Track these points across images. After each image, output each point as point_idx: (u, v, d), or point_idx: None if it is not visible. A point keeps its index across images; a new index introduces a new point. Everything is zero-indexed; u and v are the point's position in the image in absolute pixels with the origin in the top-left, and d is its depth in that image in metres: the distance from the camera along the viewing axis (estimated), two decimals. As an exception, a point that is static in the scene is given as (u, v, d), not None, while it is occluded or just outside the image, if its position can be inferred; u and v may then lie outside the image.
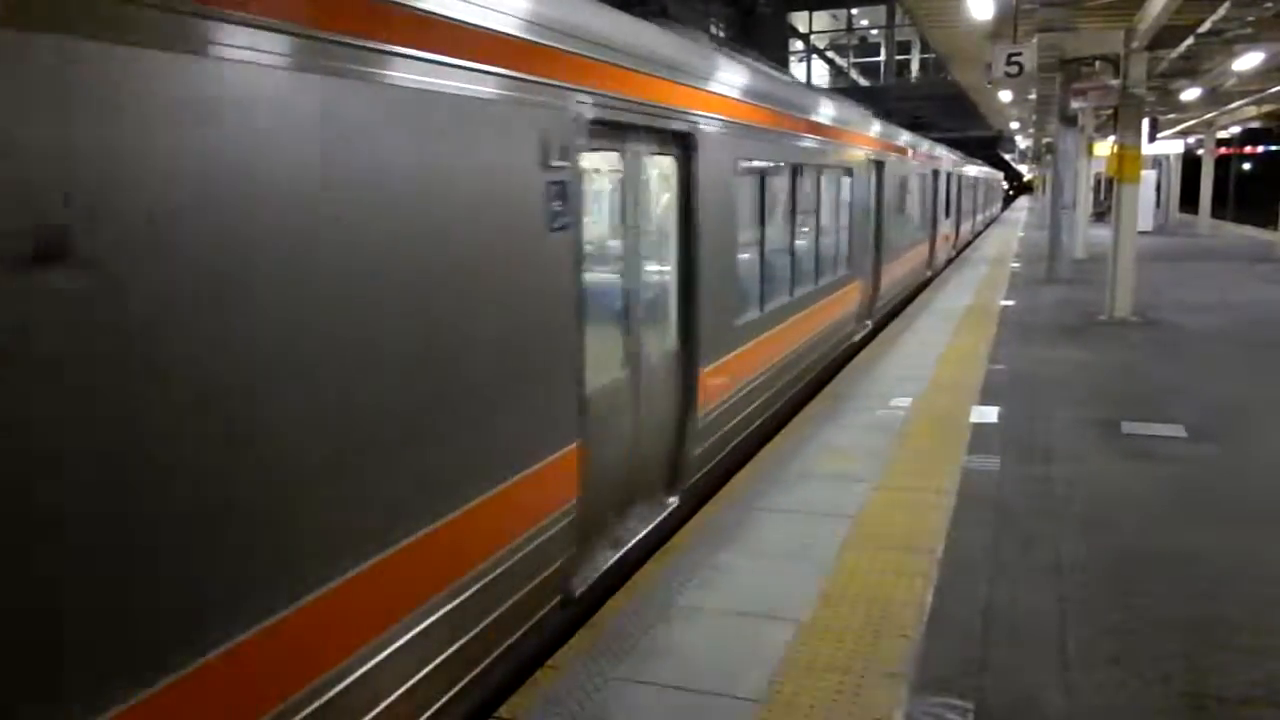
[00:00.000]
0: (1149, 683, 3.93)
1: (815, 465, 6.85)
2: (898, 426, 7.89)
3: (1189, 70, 18.92)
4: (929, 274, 19.72)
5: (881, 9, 39.44)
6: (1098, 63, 15.56)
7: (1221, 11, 12.59)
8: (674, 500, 5.67)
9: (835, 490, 6.28)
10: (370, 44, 2.89)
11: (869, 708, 3.69)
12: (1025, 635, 4.33)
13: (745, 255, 6.87)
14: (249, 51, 2.45)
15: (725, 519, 5.75)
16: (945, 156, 21.93)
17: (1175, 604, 4.65)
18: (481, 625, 3.62)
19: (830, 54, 40.44)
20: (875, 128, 12.53)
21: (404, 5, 3.03)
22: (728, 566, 5.04)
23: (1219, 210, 39.43)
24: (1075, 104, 15.71)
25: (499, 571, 3.70)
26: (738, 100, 6.48)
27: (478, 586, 3.57)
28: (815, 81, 39.66)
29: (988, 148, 63.68)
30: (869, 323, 12.53)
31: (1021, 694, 3.84)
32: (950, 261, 23.99)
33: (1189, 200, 40.18)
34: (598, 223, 4.88)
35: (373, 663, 2.99)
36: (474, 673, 3.62)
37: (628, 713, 3.69)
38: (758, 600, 4.64)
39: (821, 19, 41.22)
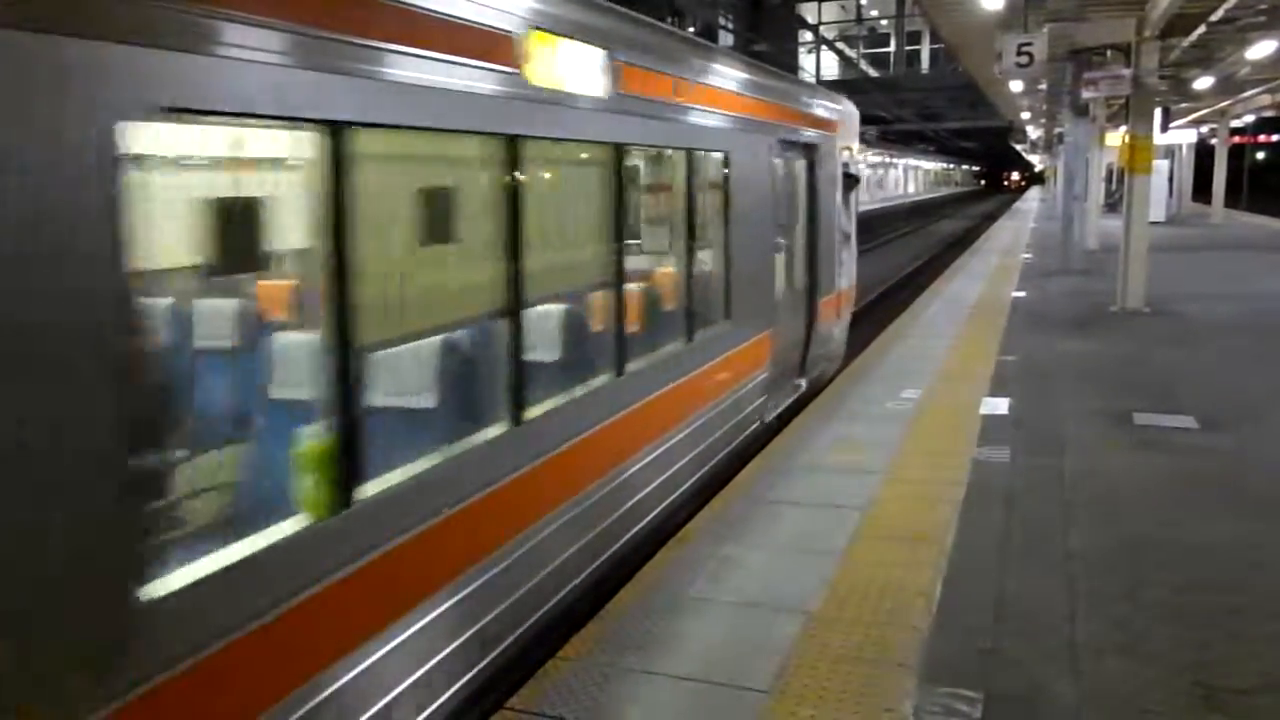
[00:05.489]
0: (1159, 672, 3.93)
1: (824, 457, 6.86)
2: (907, 418, 7.88)
3: (1202, 59, 18.76)
4: None
5: (891, -1, 39.23)
6: (1109, 52, 15.45)
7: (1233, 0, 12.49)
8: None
9: (844, 482, 6.28)
10: None
11: (878, 698, 3.71)
12: (1035, 626, 4.34)
13: None
14: None
15: (734, 511, 5.76)
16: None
17: (1186, 594, 4.64)
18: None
19: (840, 45, 40.25)
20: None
21: None
22: (736, 559, 5.06)
23: (1233, 200, 39.15)
24: (1086, 94, 15.55)
25: None
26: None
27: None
28: (825, 74, 39.48)
29: (999, 138, 63.42)
30: None
31: (1031, 684, 3.85)
32: None
33: (1202, 190, 39.89)
34: None
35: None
36: None
37: (638, 703, 3.72)
38: (767, 592, 4.66)
39: (830, 10, 41.05)
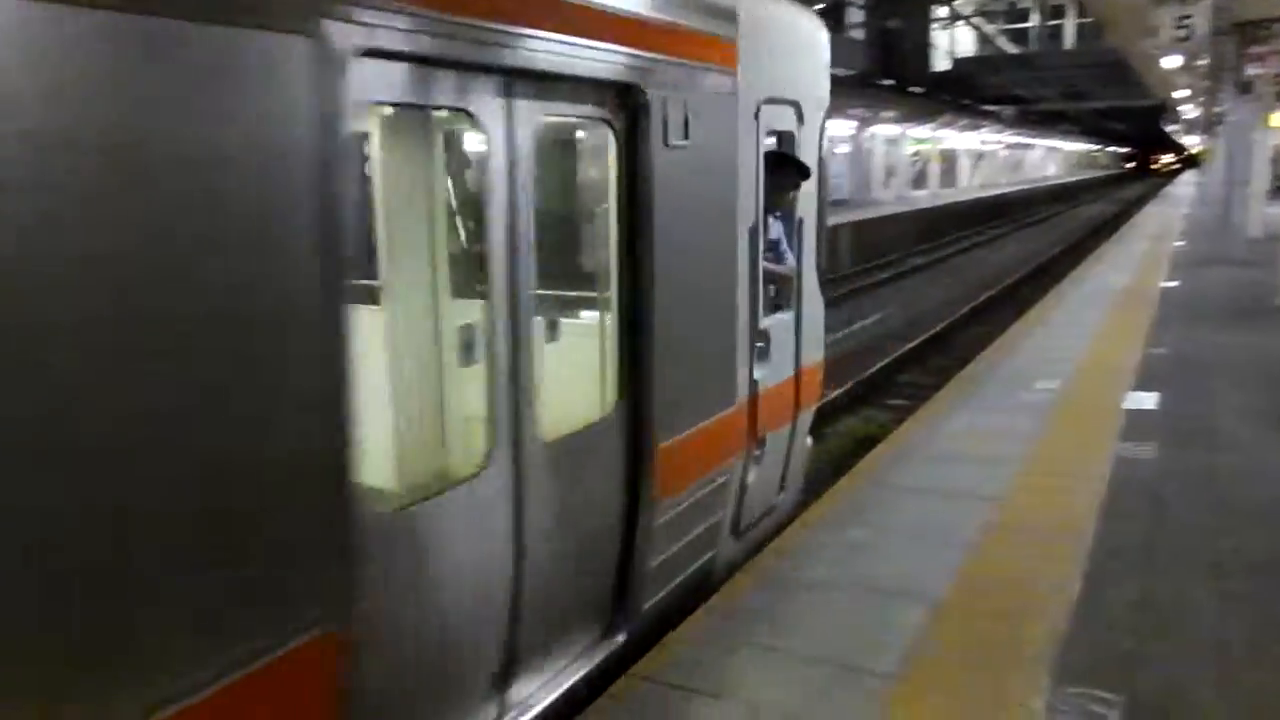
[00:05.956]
0: (1320, 686, 3.69)
1: (954, 446, 6.68)
2: (1044, 410, 7.58)
3: (1389, 29, 17.12)
4: None
5: (1034, -28, 37.43)
6: (1277, 25, 14.32)
7: None
8: None
9: (976, 472, 6.11)
10: None
11: (1009, 692, 3.62)
12: (1181, 630, 4.13)
13: None
14: None
15: (859, 496, 5.70)
16: None
17: (1353, 606, 4.33)
18: None
19: (976, 21, 38.65)
20: None
21: None
22: (862, 543, 5.00)
23: None
24: (1251, 70, 14.48)
25: None
26: None
27: None
28: (959, 50, 38.04)
29: (1149, 118, 59.64)
30: None
31: (1174, 689, 3.68)
32: None
33: (1384, 173, 36.47)
34: None
35: None
36: None
37: (760, 677, 3.75)
38: (894, 578, 4.59)
39: (969, -16, 39.44)
